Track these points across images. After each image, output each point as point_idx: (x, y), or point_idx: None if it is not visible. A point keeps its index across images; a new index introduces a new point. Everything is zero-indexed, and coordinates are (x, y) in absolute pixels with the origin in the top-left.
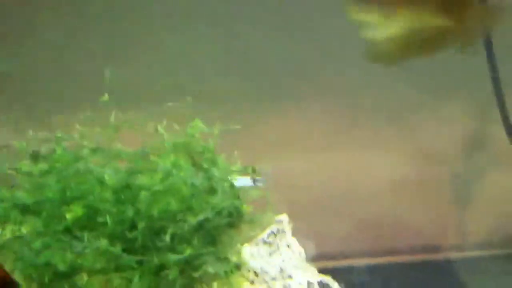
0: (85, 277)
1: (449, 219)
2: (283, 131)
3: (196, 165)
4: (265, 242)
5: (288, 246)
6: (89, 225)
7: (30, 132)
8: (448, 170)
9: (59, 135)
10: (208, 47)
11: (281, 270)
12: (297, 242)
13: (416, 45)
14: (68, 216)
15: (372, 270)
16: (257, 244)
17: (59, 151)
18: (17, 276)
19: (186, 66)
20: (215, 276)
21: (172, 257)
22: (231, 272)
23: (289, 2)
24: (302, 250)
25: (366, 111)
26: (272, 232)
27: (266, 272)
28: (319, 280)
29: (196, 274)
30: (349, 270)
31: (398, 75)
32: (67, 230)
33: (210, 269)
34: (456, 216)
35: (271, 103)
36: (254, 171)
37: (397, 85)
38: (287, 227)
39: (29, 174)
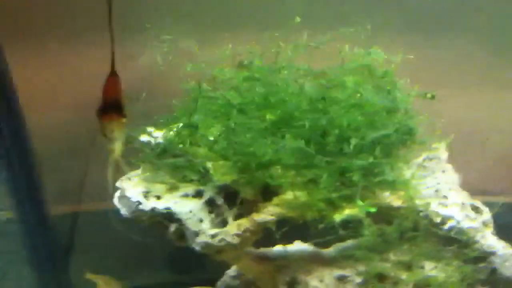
0: (280, 169)
1: None
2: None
3: (377, 86)
4: (420, 166)
5: (443, 171)
6: (285, 127)
7: (230, 45)
8: None
9: (256, 49)
10: None
11: (437, 191)
12: (452, 169)
13: None
14: (269, 117)
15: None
16: (412, 167)
17: (258, 62)
18: (225, 163)
19: None
20: (391, 184)
21: (357, 162)
22: (405, 183)
23: None
24: (456, 176)
25: None
26: (428, 158)
27: (422, 191)
28: (471, 203)
29: (375, 180)
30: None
31: None
32: (267, 129)
33: (388, 177)
34: None
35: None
36: (433, 97)
37: None
38: (443, 154)
39: (231, 79)
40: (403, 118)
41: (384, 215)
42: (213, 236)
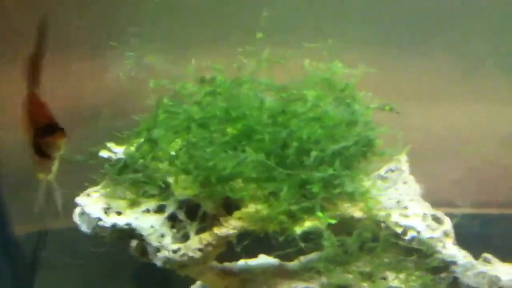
0: (241, 183)
1: None
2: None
3: (337, 99)
4: (381, 178)
5: (404, 182)
6: (246, 141)
7: (193, 61)
8: None
9: (218, 66)
10: None
11: (398, 202)
12: (413, 180)
13: None
14: (230, 131)
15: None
16: (374, 178)
17: (220, 78)
18: (186, 177)
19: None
20: (351, 195)
21: (317, 174)
22: (365, 194)
23: None
24: (418, 187)
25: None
26: (390, 169)
27: (383, 202)
28: (433, 213)
29: (335, 191)
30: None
31: None
32: (228, 143)
33: (348, 189)
34: None
35: (398, 51)
36: (391, 109)
37: None
38: (405, 165)
39: (193, 94)
40: (362, 130)
41: (346, 226)
42: (174, 251)
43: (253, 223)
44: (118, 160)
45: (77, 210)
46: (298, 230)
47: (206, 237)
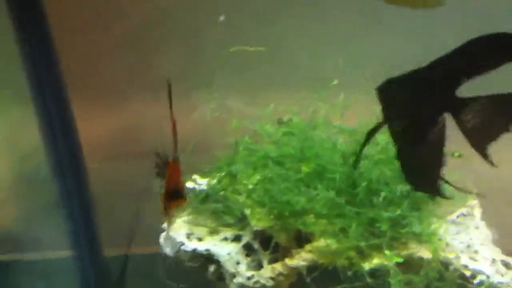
0: (313, 218)
1: None
2: None
3: None
4: (453, 222)
5: (476, 227)
6: (318, 179)
7: (271, 105)
8: None
9: (295, 108)
10: None
11: (468, 246)
12: (485, 225)
13: None
14: (304, 169)
15: None
16: (446, 223)
17: (296, 120)
18: (261, 210)
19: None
20: (417, 236)
21: (385, 214)
22: (432, 235)
23: None
24: (489, 233)
25: None
26: (462, 214)
27: (454, 246)
28: (502, 259)
29: (402, 231)
30: None
31: None
32: (302, 180)
33: (415, 229)
34: None
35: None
36: (459, 155)
37: None
38: (476, 211)
39: (271, 134)
40: None
41: (413, 266)
42: (248, 278)
43: (322, 256)
44: (201, 191)
45: (163, 234)
46: (366, 266)
47: (278, 267)
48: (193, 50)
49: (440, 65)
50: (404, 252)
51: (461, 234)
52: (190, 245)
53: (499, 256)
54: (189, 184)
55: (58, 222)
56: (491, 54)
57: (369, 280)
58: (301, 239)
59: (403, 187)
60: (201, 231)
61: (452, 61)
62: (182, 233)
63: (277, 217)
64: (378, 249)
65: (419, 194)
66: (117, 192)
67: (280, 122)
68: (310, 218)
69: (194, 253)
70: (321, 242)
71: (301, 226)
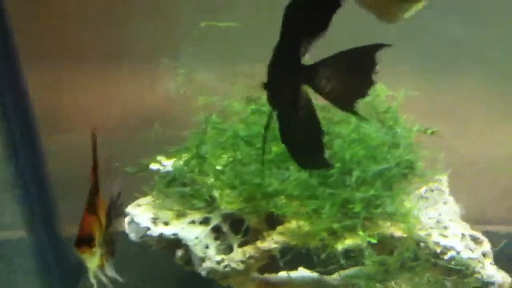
0: (284, 199)
1: None
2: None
3: (380, 121)
4: (422, 197)
5: (444, 203)
6: (289, 160)
7: (241, 79)
8: None
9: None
10: None
11: (438, 222)
12: (453, 201)
13: None
14: (275, 149)
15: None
16: (413, 198)
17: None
18: (231, 192)
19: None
20: (391, 215)
21: (358, 194)
22: (405, 216)
23: None
24: (458, 208)
25: None
26: (430, 189)
27: (423, 222)
28: (471, 234)
29: (376, 211)
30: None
31: None
32: (272, 161)
33: (388, 209)
34: None
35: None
36: (433, 133)
37: None
38: (445, 186)
39: (240, 112)
40: (404, 152)
41: (386, 245)
42: (218, 262)
43: (295, 238)
44: (167, 173)
45: (127, 219)
46: (339, 247)
47: (249, 250)
48: (164, 23)
49: (283, 42)
50: (378, 232)
51: (430, 209)
52: (156, 230)
53: (468, 231)
54: (153, 166)
55: (14, 202)
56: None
57: (343, 261)
58: (273, 222)
59: (376, 167)
60: (167, 215)
61: (287, 32)
62: (147, 218)
63: (248, 199)
64: (352, 230)
65: (391, 172)
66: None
67: (249, 100)
68: (282, 200)
69: (161, 238)
70: (293, 224)
71: (273, 208)
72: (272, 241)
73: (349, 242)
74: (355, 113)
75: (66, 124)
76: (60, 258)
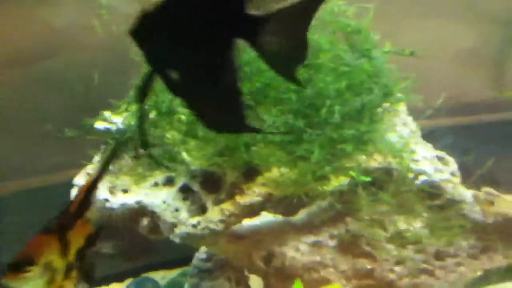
0: (263, 147)
1: None
2: None
3: (352, 46)
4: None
5: (404, 124)
6: (264, 99)
7: None
8: None
9: None
10: None
11: (404, 145)
12: (412, 120)
13: None
14: (247, 89)
15: None
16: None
17: None
18: (199, 144)
19: None
20: (381, 151)
21: (348, 132)
22: (395, 148)
23: None
24: (415, 127)
25: None
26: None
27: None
28: (436, 155)
29: (368, 149)
30: None
31: None
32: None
33: (379, 145)
34: None
35: None
36: (411, 54)
37: None
38: (400, 105)
39: None
40: (388, 80)
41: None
42: (194, 226)
43: (279, 187)
44: (119, 131)
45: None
46: (328, 189)
47: (228, 207)
48: None
49: None
50: (354, 165)
51: (391, 133)
52: (116, 200)
53: (433, 152)
54: (99, 125)
55: None
56: None
57: (338, 206)
58: (250, 173)
59: (359, 99)
60: (125, 181)
61: None
62: (103, 188)
63: (221, 152)
64: (343, 170)
65: (373, 104)
66: None
67: None
68: (262, 149)
69: (124, 209)
70: (274, 172)
71: (251, 158)
72: (253, 194)
73: (335, 183)
74: (295, 80)
75: None
76: None
